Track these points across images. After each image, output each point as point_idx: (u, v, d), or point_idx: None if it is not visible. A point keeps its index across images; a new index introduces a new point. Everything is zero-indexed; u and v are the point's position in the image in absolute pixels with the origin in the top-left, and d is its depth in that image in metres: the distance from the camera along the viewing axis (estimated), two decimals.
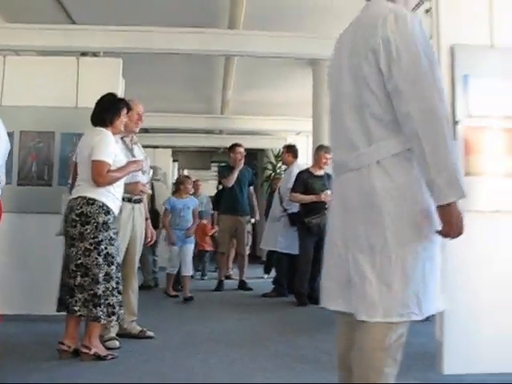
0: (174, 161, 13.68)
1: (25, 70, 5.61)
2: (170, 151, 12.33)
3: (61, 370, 3.71)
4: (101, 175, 3.96)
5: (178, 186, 7.51)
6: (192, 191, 7.78)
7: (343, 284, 2.31)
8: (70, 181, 4.50)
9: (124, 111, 4.29)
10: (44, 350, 4.13)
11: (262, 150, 13.41)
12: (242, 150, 8.26)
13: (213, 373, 3.73)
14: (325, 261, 2.46)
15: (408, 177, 2.23)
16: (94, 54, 5.95)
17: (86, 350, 3.92)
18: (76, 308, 3.91)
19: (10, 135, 4.22)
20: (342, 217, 2.35)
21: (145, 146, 5.92)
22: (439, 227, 2.22)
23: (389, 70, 2.21)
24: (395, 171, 2.24)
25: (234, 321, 5.68)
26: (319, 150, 6.83)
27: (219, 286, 7.98)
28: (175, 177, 14.79)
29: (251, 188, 8.37)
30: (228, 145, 8.42)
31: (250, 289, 8.00)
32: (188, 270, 7.11)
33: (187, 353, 4.26)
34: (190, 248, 7.27)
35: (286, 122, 10.85)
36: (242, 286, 8.13)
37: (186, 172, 16.90)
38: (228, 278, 8.94)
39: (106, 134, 4.10)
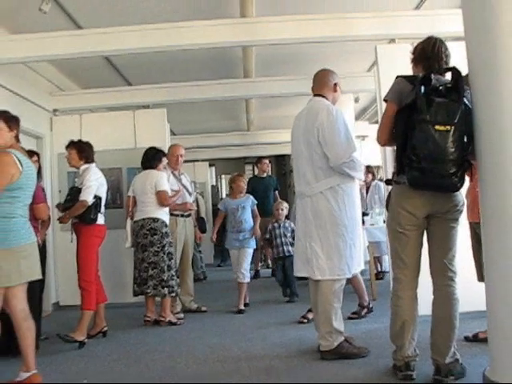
0: (210, 165, 15.17)
1: (97, 123, 7.56)
2: (207, 162, 14.15)
3: (148, 330, 5.67)
4: (166, 200, 5.91)
5: (231, 186, 7.03)
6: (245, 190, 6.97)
7: (305, 261, 4.18)
8: (130, 209, 6.18)
9: (162, 159, 6.19)
10: (134, 322, 6.09)
11: (289, 155, 15.05)
12: (266, 161, 10.14)
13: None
14: (294, 250, 4.36)
15: (336, 199, 4.08)
16: (145, 107, 7.87)
17: (163, 319, 5.88)
18: (149, 290, 5.86)
19: None
20: (303, 223, 4.23)
21: (187, 161, 7.84)
22: (359, 227, 4.11)
23: (323, 142, 4.06)
24: (331, 197, 4.10)
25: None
26: None
27: (256, 275, 9.73)
28: (213, 181, 16.60)
29: (276, 192, 10.11)
30: (256, 154, 9.98)
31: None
32: (244, 277, 6.60)
33: (229, 317, 6.15)
34: (248, 252, 6.68)
35: None
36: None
37: (223, 177, 18.76)
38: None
39: (159, 173, 6.01)
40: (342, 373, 3.80)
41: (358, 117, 10.90)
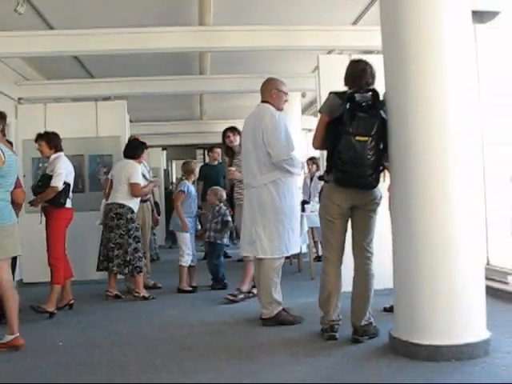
0: (163, 149, 15.64)
1: (61, 113, 8.07)
2: (160, 148, 14.74)
3: (111, 304, 6.33)
4: (138, 192, 6.55)
5: (188, 172, 7.29)
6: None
7: (250, 242, 4.94)
8: (106, 191, 6.88)
9: (144, 150, 6.83)
10: (96, 297, 6.73)
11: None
12: (218, 150, 10.83)
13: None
14: (241, 233, 5.12)
15: (277, 191, 4.84)
16: (106, 99, 8.45)
17: (137, 294, 6.51)
18: (114, 268, 6.50)
19: None
20: (249, 210, 4.98)
21: None
22: (297, 215, 4.88)
23: (267, 142, 4.81)
24: (272, 189, 4.86)
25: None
26: None
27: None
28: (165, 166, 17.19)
29: (226, 179, 10.78)
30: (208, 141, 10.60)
31: None
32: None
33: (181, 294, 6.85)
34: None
35: None
36: None
37: (174, 163, 19.32)
38: None
39: (136, 165, 6.63)
40: (280, 335, 4.57)
41: (305, 110, 11.72)
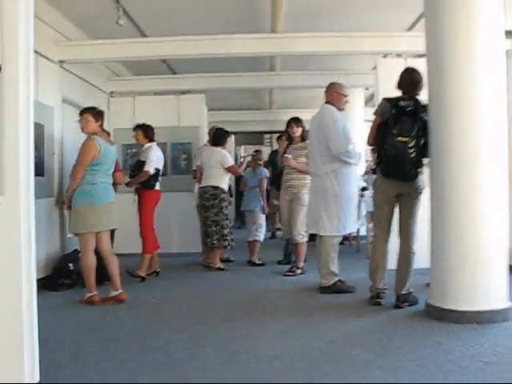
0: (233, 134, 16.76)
1: (147, 105, 9.16)
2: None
3: (192, 273, 7.38)
4: (236, 171, 7.70)
5: (261, 159, 8.72)
6: None
7: (315, 222, 5.84)
8: (198, 176, 7.83)
9: (228, 139, 7.83)
10: (178, 267, 7.80)
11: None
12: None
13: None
14: (307, 214, 6.03)
15: (336, 179, 5.71)
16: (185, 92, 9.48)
17: (213, 265, 7.55)
18: (214, 243, 7.47)
19: None
20: (314, 195, 5.89)
21: None
22: (354, 200, 5.74)
23: (327, 137, 5.67)
24: (332, 177, 5.72)
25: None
26: None
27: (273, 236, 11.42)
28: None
29: None
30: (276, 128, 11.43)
31: None
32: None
33: (251, 268, 7.82)
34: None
35: None
36: None
37: (242, 147, 20.34)
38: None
39: (223, 151, 7.59)
40: (335, 300, 5.47)
41: (368, 101, 12.40)
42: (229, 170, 7.54)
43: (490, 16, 4.53)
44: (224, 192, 7.57)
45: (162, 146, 8.93)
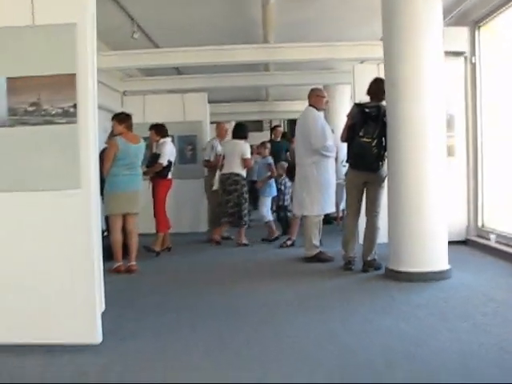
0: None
1: (156, 102, 10.39)
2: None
3: (200, 248, 8.68)
4: (250, 164, 8.85)
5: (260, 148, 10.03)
6: None
7: (300, 205, 7.13)
8: (219, 164, 8.97)
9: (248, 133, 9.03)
10: (188, 243, 9.09)
11: None
12: (280, 128, 12.94)
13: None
14: (293, 198, 7.34)
15: (317, 169, 6.98)
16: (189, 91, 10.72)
17: (239, 242, 8.81)
18: (235, 221, 8.72)
19: None
20: (299, 182, 7.21)
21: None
22: (332, 187, 7.03)
23: (309, 135, 6.94)
24: (314, 167, 7.00)
25: None
26: None
27: None
28: None
29: (287, 153, 12.83)
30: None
31: None
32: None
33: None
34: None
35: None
36: None
37: None
38: None
39: (246, 144, 8.80)
40: (316, 267, 6.77)
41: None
42: (245, 161, 8.71)
43: (433, 40, 5.80)
44: (244, 179, 8.78)
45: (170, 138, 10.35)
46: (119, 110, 10.31)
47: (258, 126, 20.74)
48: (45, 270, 3.88)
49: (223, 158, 8.93)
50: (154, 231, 8.20)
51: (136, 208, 7.07)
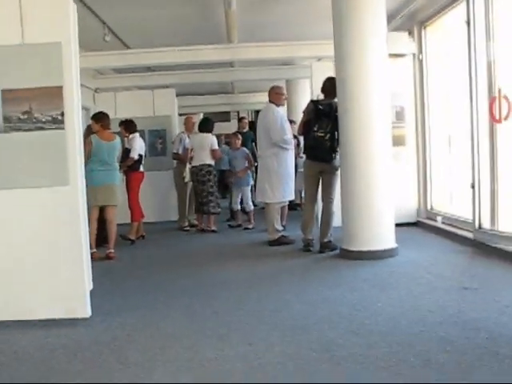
0: None
1: (127, 99, 10.92)
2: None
3: (172, 236, 9.31)
4: (219, 155, 9.49)
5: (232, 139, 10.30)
6: None
7: (262, 193, 7.82)
8: (190, 156, 9.57)
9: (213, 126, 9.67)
10: (162, 231, 9.71)
11: None
12: (246, 120, 13.56)
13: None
14: (257, 186, 8.04)
15: (277, 160, 7.67)
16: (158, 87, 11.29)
17: (208, 228, 9.44)
18: (211, 209, 9.34)
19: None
20: (261, 172, 7.91)
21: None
22: (292, 176, 7.74)
23: (269, 129, 7.61)
24: (274, 158, 7.69)
25: None
26: None
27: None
28: None
29: (253, 144, 13.42)
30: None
31: None
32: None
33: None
34: None
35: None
36: None
37: None
38: None
39: (213, 137, 9.42)
40: (278, 250, 7.46)
41: None
42: (214, 152, 9.35)
43: (378, 41, 6.50)
44: (215, 169, 9.43)
45: (141, 133, 10.70)
46: (91, 106, 10.95)
47: (225, 116, 21.34)
48: (41, 255, 4.53)
49: (191, 150, 9.54)
50: (128, 221, 8.78)
51: (113, 200, 7.62)
